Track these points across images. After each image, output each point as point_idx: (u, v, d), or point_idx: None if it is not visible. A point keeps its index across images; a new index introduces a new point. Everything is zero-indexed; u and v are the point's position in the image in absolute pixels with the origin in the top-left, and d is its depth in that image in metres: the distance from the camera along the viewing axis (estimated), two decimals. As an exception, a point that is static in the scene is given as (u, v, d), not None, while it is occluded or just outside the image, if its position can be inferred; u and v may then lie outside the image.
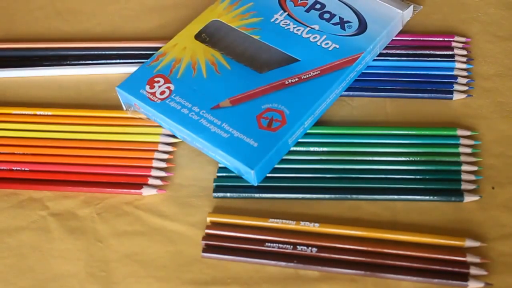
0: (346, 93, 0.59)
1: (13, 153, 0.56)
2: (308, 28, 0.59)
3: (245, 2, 0.61)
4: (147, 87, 0.56)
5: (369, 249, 0.50)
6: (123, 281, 0.50)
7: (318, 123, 0.56)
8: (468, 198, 0.52)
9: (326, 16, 0.60)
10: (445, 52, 0.60)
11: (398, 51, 0.61)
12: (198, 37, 0.59)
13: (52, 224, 0.53)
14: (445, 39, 0.62)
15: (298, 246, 0.50)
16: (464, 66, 0.60)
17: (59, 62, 0.63)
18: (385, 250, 0.49)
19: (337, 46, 0.57)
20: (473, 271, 0.48)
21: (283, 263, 0.50)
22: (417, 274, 0.48)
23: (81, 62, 0.63)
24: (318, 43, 0.58)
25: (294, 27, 0.59)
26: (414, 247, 0.49)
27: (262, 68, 0.56)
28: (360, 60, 0.57)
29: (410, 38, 0.62)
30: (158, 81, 0.56)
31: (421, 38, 0.62)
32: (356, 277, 0.49)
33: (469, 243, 0.49)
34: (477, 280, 0.48)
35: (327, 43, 0.57)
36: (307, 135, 0.56)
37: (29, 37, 0.65)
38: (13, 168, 0.56)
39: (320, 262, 0.49)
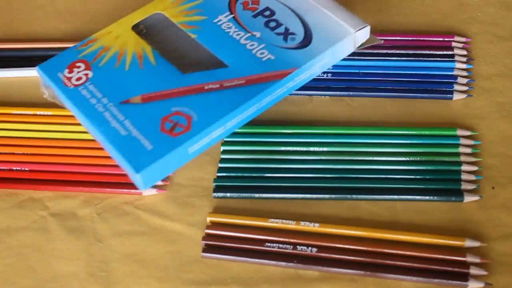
0: (346, 93, 0.59)
1: (13, 153, 0.56)
2: (249, 34, 0.54)
3: None
4: (66, 71, 0.53)
5: (369, 249, 0.50)
6: (123, 281, 0.50)
7: (318, 123, 0.56)
8: (468, 198, 0.52)
9: (272, 24, 0.55)
10: (445, 52, 0.60)
11: (398, 51, 0.61)
12: (135, 27, 0.57)
13: (52, 224, 0.53)
14: (445, 39, 0.62)
15: (298, 246, 0.50)
16: (464, 66, 0.60)
17: (59, 62, 0.63)
18: (385, 250, 0.49)
19: (272, 57, 0.53)
20: (473, 271, 0.48)
21: (283, 263, 0.50)
22: (417, 274, 0.48)
23: (81, 62, 0.63)
24: (254, 51, 0.53)
25: (234, 31, 0.55)
26: (414, 247, 0.49)
27: (186, 68, 0.53)
28: (291, 77, 0.52)
29: (410, 38, 0.62)
30: (79, 67, 0.53)
31: (421, 38, 0.62)
32: (356, 277, 0.49)
33: (469, 243, 0.49)
34: (477, 280, 0.48)
35: (263, 53, 0.53)
36: (307, 135, 0.56)
37: (29, 37, 0.65)
38: (13, 168, 0.56)
39: (320, 262, 0.49)
